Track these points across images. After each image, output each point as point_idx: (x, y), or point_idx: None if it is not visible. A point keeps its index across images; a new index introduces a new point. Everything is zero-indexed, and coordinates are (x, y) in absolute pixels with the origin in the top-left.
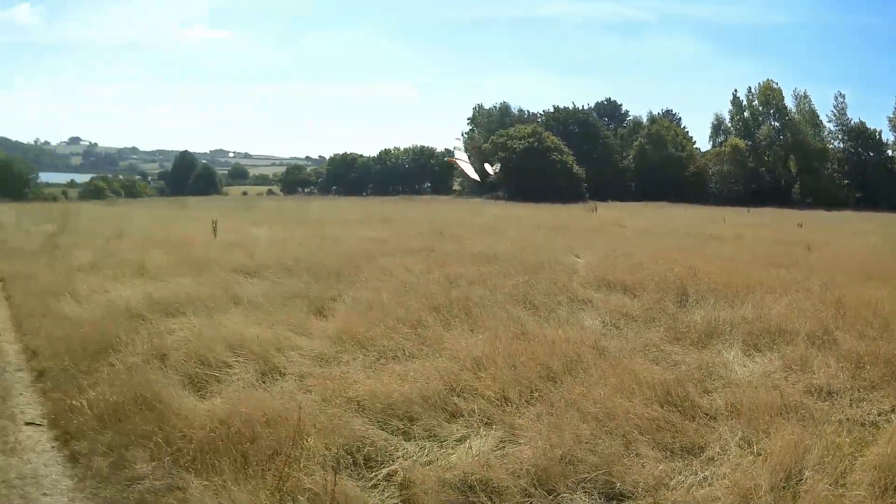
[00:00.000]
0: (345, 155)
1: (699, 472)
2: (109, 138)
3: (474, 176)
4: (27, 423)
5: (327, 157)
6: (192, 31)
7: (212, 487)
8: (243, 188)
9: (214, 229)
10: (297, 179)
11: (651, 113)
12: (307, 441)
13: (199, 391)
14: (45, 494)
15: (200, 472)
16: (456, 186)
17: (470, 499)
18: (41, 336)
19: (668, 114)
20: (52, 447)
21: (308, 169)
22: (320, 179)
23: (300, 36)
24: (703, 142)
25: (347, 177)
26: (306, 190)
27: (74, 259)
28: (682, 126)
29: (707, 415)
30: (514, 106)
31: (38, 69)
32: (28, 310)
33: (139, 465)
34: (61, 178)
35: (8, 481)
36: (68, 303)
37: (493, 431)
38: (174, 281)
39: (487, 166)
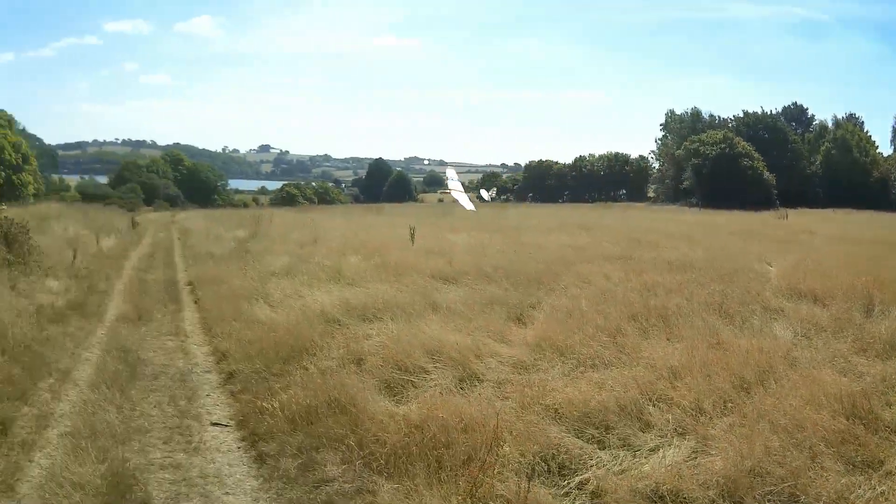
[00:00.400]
0: (540, 162)
1: (877, 487)
2: (301, 146)
3: (469, 206)
4: (213, 424)
5: (523, 165)
6: (381, 39)
7: (403, 491)
8: (439, 195)
9: (412, 235)
10: (492, 186)
11: (836, 117)
12: (503, 448)
13: (394, 396)
14: (227, 493)
15: (392, 476)
16: (650, 193)
17: None
18: (231, 339)
19: (852, 117)
20: (239, 448)
21: (504, 176)
22: (516, 186)
23: (488, 43)
24: (884, 146)
25: (543, 184)
26: (503, 197)
27: (267, 264)
28: (864, 130)
29: (888, 428)
30: (705, 111)
31: (223, 79)
32: (218, 313)
33: (329, 468)
34: (251, 184)
35: (189, 479)
36: (261, 307)
37: (685, 442)
38: (371, 286)
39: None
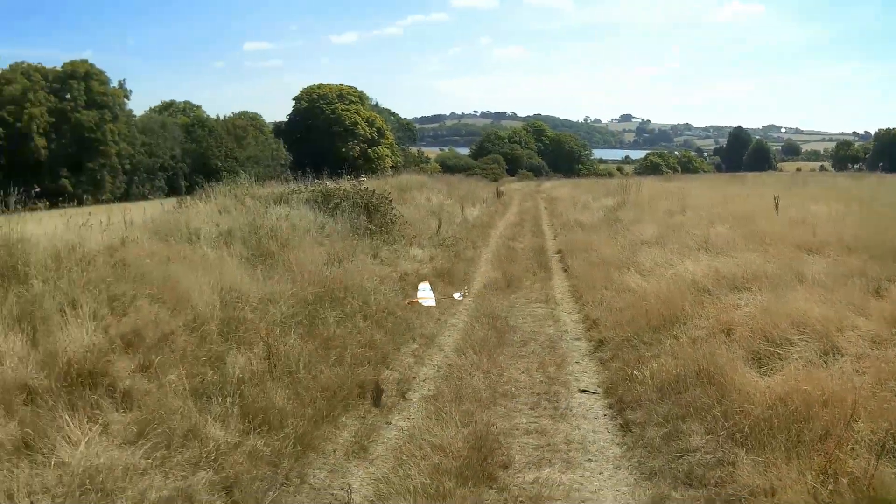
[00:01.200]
0: (888, 130)
1: None
2: (661, 115)
3: (431, 303)
4: (581, 391)
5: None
6: (726, 7)
7: (762, 464)
8: (796, 164)
9: (776, 205)
10: (846, 156)
11: None
12: (857, 424)
13: (760, 367)
14: (589, 460)
15: (752, 449)
16: None
17: None
18: (602, 307)
19: None
20: (605, 415)
21: (856, 144)
22: (868, 156)
23: (832, 9)
24: None
25: (893, 153)
26: (855, 166)
27: (636, 233)
28: None
29: None
30: None
31: (578, 50)
32: (588, 281)
33: (693, 438)
34: (615, 154)
35: (553, 445)
36: (632, 275)
37: None
38: (739, 256)
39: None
